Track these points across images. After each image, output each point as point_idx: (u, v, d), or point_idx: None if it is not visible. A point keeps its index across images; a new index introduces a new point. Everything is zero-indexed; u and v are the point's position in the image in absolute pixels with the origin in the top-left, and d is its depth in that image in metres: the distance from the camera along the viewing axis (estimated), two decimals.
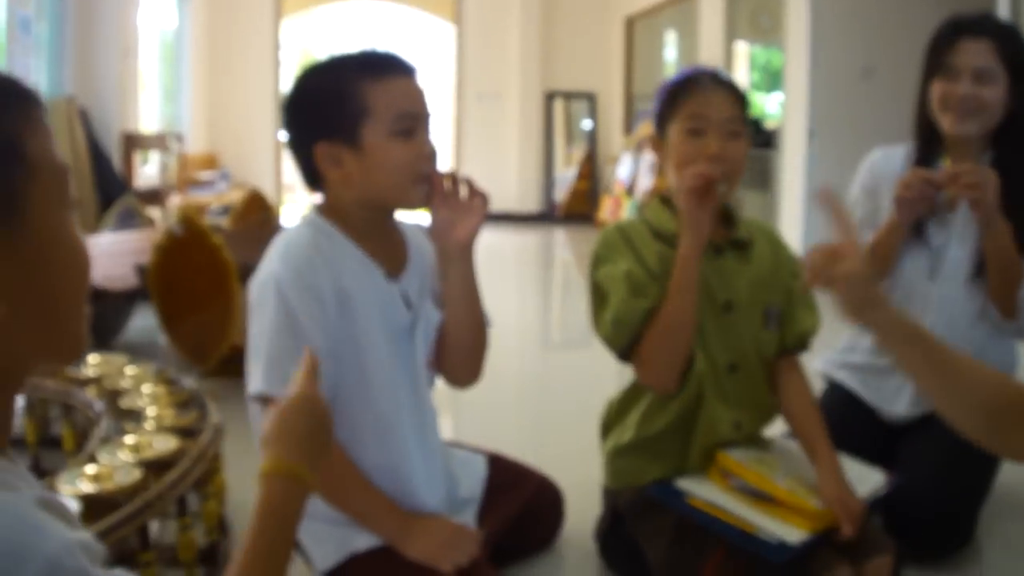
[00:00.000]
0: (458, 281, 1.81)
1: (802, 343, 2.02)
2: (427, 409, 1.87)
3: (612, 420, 2.11)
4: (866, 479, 1.96)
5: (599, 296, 1.95)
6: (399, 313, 1.78)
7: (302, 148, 1.73)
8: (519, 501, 2.07)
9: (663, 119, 1.95)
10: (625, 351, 1.92)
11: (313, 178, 1.76)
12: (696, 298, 1.85)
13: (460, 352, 1.89)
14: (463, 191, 1.76)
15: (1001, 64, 2.18)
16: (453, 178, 1.74)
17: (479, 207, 1.76)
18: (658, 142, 1.98)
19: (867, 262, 1.35)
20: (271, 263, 1.69)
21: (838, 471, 1.84)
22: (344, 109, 1.67)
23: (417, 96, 1.73)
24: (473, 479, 2.00)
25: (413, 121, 1.70)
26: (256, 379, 1.64)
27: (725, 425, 1.94)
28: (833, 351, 2.53)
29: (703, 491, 1.88)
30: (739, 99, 1.91)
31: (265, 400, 1.65)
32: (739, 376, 1.96)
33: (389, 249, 1.82)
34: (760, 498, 1.81)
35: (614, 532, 2.07)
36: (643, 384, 1.98)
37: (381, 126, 1.67)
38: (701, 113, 1.87)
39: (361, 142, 1.68)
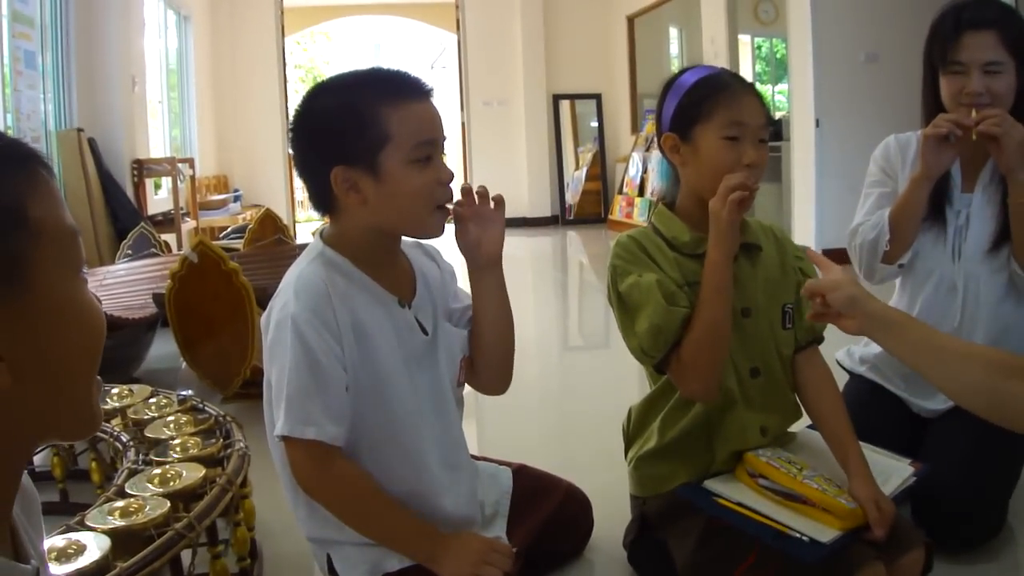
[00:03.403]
0: (491, 292, 1.83)
1: (813, 335, 1.99)
2: (454, 431, 1.86)
3: (634, 429, 2.09)
4: (894, 472, 1.94)
5: (628, 309, 1.88)
6: (416, 339, 1.77)
7: (316, 172, 1.70)
8: (548, 511, 2.07)
9: (688, 121, 1.87)
10: (663, 361, 1.87)
11: (325, 202, 1.73)
12: (730, 299, 1.82)
13: (494, 361, 1.90)
14: (479, 201, 1.78)
15: (1007, 52, 2.18)
16: (469, 193, 1.75)
17: (498, 215, 1.78)
18: (677, 144, 1.90)
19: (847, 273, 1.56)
20: (286, 302, 1.66)
21: (868, 472, 1.82)
22: (364, 134, 1.64)
23: (435, 121, 1.71)
24: (499, 492, 2.00)
25: (431, 148, 1.68)
26: (279, 421, 1.64)
27: (752, 431, 1.93)
28: (854, 344, 2.53)
29: (732, 492, 1.87)
30: (765, 104, 1.88)
31: (287, 440, 1.65)
32: (762, 380, 1.94)
33: (398, 275, 1.81)
34: (790, 498, 1.80)
35: (642, 538, 2.06)
36: (686, 395, 1.92)
37: (400, 153, 1.64)
38: (739, 120, 1.82)
39: (379, 169, 1.65)
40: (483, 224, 1.78)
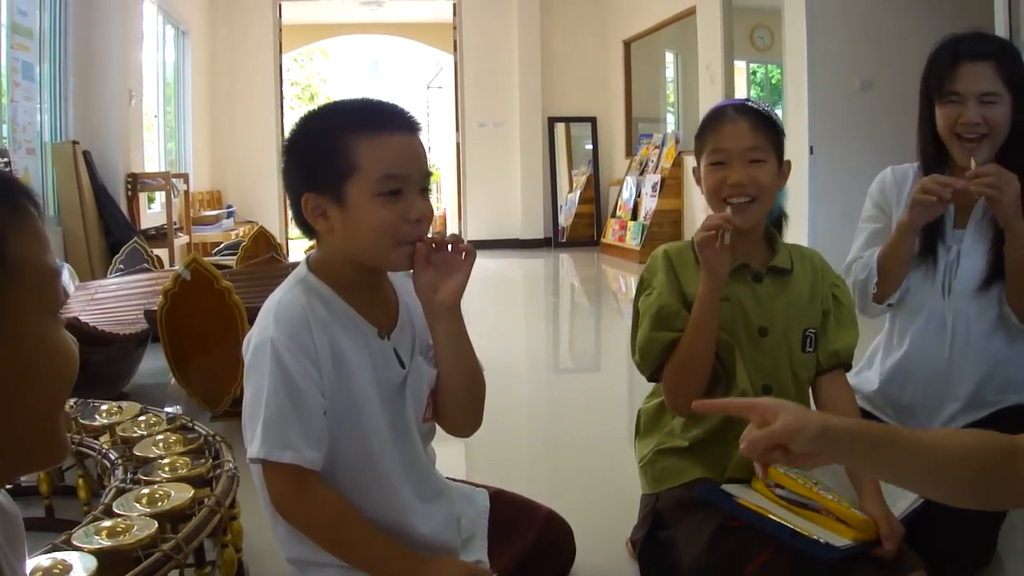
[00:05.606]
0: (447, 338, 1.79)
1: (837, 361, 2.07)
2: (421, 465, 1.84)
3: (646, 428, 2.18)
4: (903, 495, 1.99)
5: (635, 323, 2.07)
6: (392, 371, 1.76)
7: (294, 195, 1.71)
8: (529, 536, 2.05)
9: (697, 155, 2.08)
10: (651, 377, 2.06)
11: (305, 225, 1.73)
12: (714, 334, 1.95)
13: (456, 404, 1.86)
14: (449, 249, 1.72)
15: (1004, 84, 2.21)
16: (435, 240, 1.70)
17: (464, 264, 1.74)
18: (698, 174, 2.10)
19: (785, 407, 1.28)
20: (265, 326, 1.66)
21: (879, 491, 1.89)
22: (332, 163, 1.64)
23: (410, 156, 1.67)
24: (476, 513, 1.98)
25: (400, 183, 1.64)
26: (255, 444, 1.62)
27: None
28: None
29: (750, 496, 1.92)
30: (763, 127, 2.01)
31: (264, 464, 1.64)
32: (772, 397, 1.99)
33: (380, 305, 1.79)
34: (805, 507, 1.85)
35: (650, 536, 2.09)
36: (668, 406, 2.08)
37: (365, 184, 1.62)
38: (721, 146, 2.00)
39: (345, 198, 1.64)
40: (445, 271, 1.73)
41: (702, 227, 1.91)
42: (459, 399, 1.86)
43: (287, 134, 1.75)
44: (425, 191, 1.70)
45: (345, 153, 1.63)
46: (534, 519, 2.09)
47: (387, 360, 1.75)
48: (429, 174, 1.72)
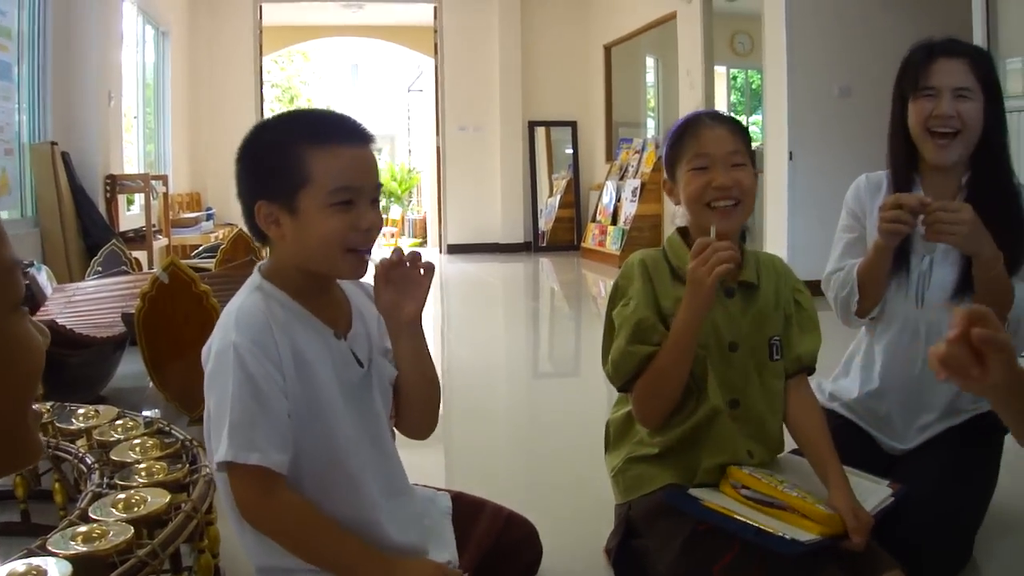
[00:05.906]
0: (410, 353, 1.83)
1: (800, 365, 2.10)
2: (391, 460, 1.87)
3: (615, 439, 2.19)
4: (872, 493, 2.01)
5: (608, 334, 2.06)
6: (352, 371, 1.78)
7: (246, 203, 1.72)
8: (492, 536, 2.06)
9: (671, 163, 2.08)
10: (622, 388, 2.07)
11: (258, 232, 1.75)
12: (692, 354, 1.96)
13: (414, 409, 1.91)
14: (407, 265, 1.76)
15: (977, 82, 2.23)
16: (394, 259, 1.75)
17: (424, 280, 1.77)
18: (669, 185, 2.11)
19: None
20: (226, 332, 1.67)
21: (847, 485, 1.91)
22: (285, 173, 1.66)
23: (362, 168, 1.71)
24: (438, 513, 2.00)
25: (352, 194, 1.67)
26: (222, 447, 1.62)
27: (739, 445, 2.02)
28: (824, 379, 2.54)
29: (716, 499, 1.94)
30: (739, 133, 2.03)
31: (230, 467, 1.64)
32: (740, 411, 2.04)
33: (333, 309, 1.81)
34: (771, 506, 1.87)
35: (625, 544, 2.11)
36: (635, 417, 2.08)
37: (318, 195, 1.65)
38: (703, 151, 2.00)
39: (297, 208, 1.67)
40: (404, 287, 1.77)
41: (709, 257, 1.85)
42: (417, 403, 1.90)
43: (241, 144, 1.75)
44: (375, 202, 1.73)
45: (298, 164, 1.65)
46: (494, 520, 2.10)
47: (346, 360, 1.77)
48: (380, 185, 1.75)
